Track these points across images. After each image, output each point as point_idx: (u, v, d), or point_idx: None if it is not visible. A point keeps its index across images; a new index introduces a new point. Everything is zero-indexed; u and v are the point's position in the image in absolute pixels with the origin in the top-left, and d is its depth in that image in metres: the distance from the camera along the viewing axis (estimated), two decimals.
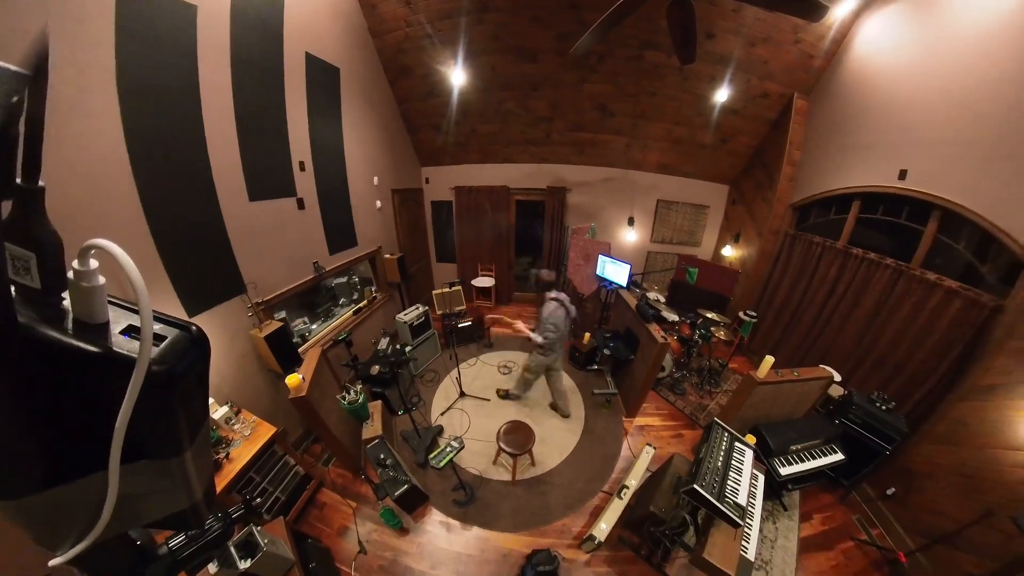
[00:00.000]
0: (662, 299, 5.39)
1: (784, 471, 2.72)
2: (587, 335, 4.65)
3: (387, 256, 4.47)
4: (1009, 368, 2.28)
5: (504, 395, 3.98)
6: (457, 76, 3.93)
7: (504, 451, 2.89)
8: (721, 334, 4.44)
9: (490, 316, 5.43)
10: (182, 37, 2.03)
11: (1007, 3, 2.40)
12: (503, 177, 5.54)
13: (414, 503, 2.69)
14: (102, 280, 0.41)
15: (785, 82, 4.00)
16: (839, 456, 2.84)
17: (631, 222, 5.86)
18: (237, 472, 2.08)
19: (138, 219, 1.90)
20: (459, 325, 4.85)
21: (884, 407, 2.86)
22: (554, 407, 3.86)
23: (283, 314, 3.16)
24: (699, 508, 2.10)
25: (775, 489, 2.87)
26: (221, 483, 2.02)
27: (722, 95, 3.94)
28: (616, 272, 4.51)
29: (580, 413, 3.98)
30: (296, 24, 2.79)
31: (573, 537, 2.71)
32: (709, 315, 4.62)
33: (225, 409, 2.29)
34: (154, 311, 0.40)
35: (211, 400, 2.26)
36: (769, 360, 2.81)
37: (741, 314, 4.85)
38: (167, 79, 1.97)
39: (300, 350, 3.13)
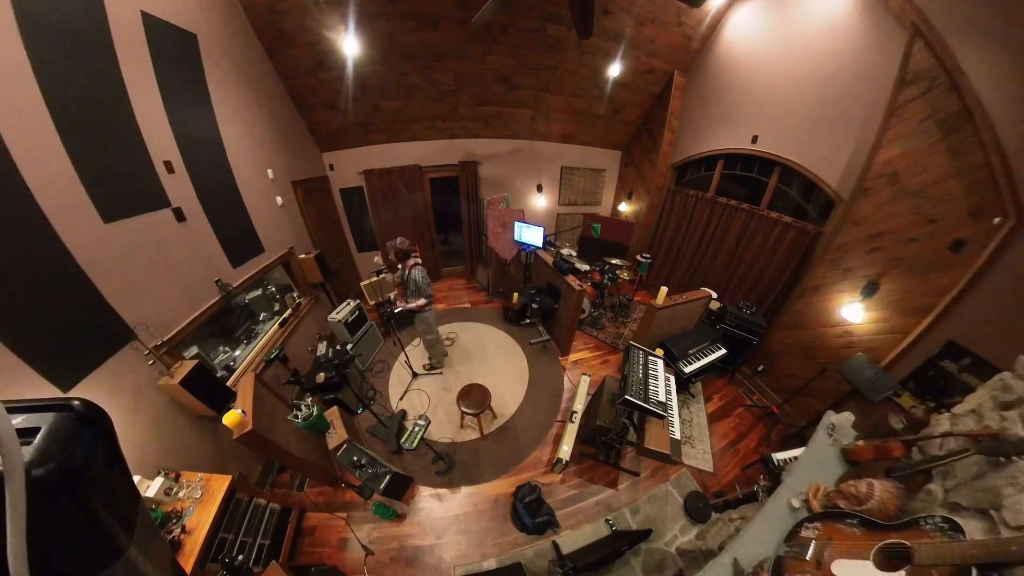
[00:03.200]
0: (574, 253, 5.69)
1: (687, 370, 3.30)
2: (515, 295, 4.74)
3: (302, 256, 3.79)
4: (826, 273, 3.03)
5: (429, 368, 3.96)
6: (350, 45, 3.19)
7: (467, 413, 2.96)
8: (625, 275, 4.94)
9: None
10: None
11: (838, 8, 2.78)
12: (414, 155, 5.00)
13: (401, 488, 2.60)
14: None
15: (668, 60, 4.20)
16: (723, 351, 3.53)
17: (540, 189, 5.88)
18: (203, 541, 1.68)
19: None
20: (395, 311, 4.46)
21: (748, 311, 3.61)
22: (430, 367, 3.96)
23: (195, 350, 2.49)
24: (633, 412, 2.52)
25: (683, 384, 3.49)
26: (188, 562, 1.59)
27: (615, 70, 3.97)
28: (532, 235, 4.56)
29: (523, 364, 4.19)
30: None
31: (545, 464, 2.99)
32: (613, 261, 5.10)
33: (160, 481, 1.77)
34: (2, 401, 0.29)
35: (136, 478, 1.71)
36: (664, 290, 3.31)
37: (638, 257, 5.43)
38: None
39: (229, 383, 2.60)
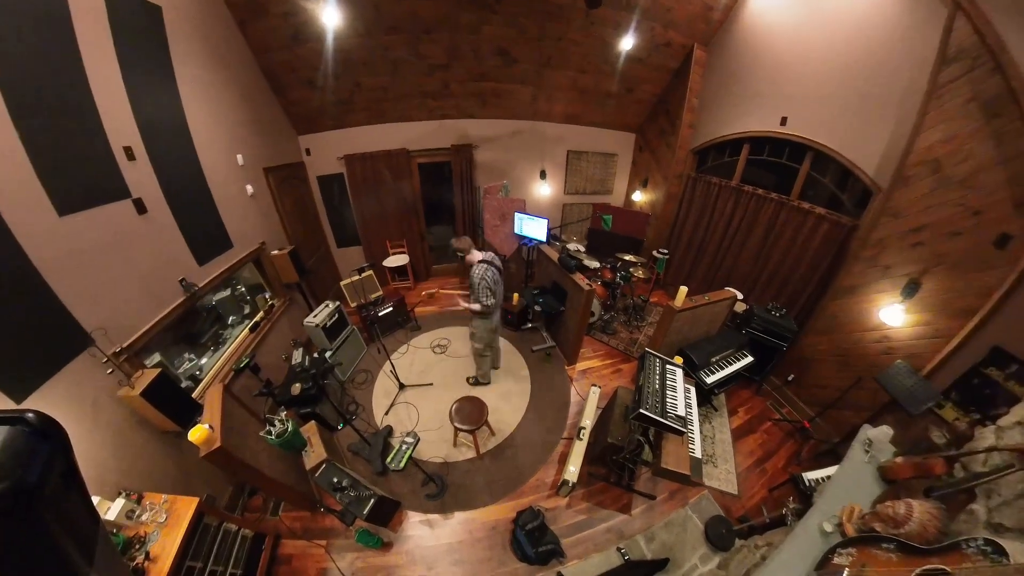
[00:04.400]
0: (582, 248, 5.76)
1: (709, 380, 3.35)
2: (516, 295, 4.81)
3: (275, 252, 3.85)
4: (863, 271, 3.10)
5: (474, 382, 4.02)
6: (330, 15, 3.25)
7: (461, 430, 2.99)
8: (639, 273, 5.00)
9: (425, 293, 5.27)
10: None
11: None
12: (400, 138, 5.05)
13: (387, 514, 2.64)
14: None
15: (686, 32, 4.26)
16: (749, 359, 3.60)
17: (543, 176, 5.95)
18: (169, 570, 1.73)
19: None
20: (379, 313, 4.60)
21: (777, 313, 3.69)
22: (475, 381, 4.02)
23: (157, 358, 2.54)
24: (649, 428, 2.53)
25: (705, 396, 3.56)
26: None
27: (627, 42, 4.03)
28: (534, 228, 4.61)
29: (524, 372, 4.24)
30: None
31: (549, 487, 3.03)
32: (627, 257, 5.15)
33: (121, 502, 1.82)
34: None
35: (95, 499, 1.76)
36: (683, 290, 3.32)
37: (655, 252, 5.50)
38: None
39: (195, 395, 2.66)
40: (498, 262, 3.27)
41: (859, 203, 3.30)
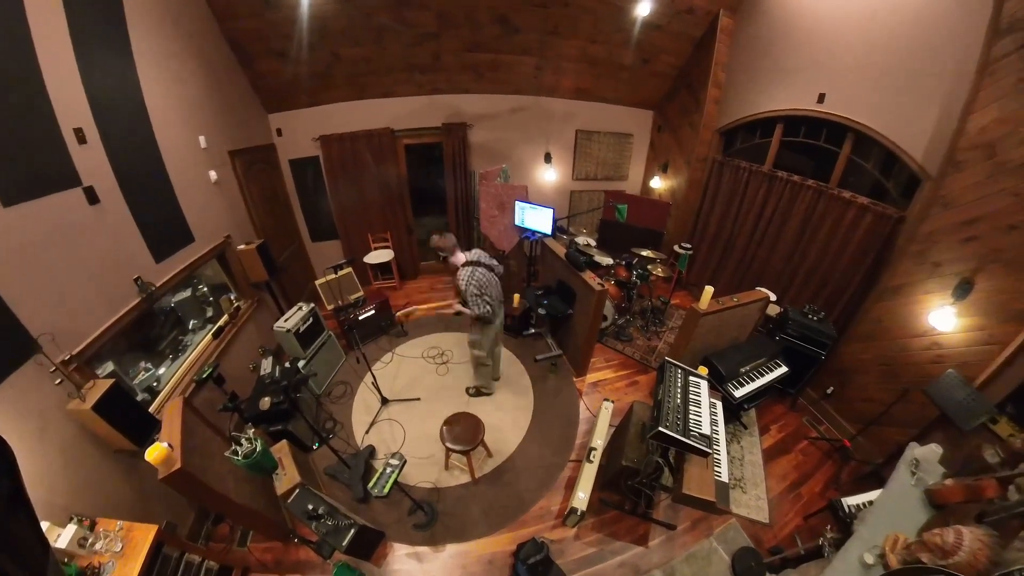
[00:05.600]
0: (592, 243, 5.83)
1: (738, 393, 3.39)
2: (517, 296, 4.87)
3: (242, 247, 3.90)
4: (911, 269, 3.15)
5: (474, 392, 4.09)
6: None
7: (453, 451, 3.02)
8: (659, 271, 5.05)
9: (400, 313, 5.22)
10: None
11: None
12: (385, 116, 5.12)
13: (370, 546, 2.67)
14: None
15: None
16: (784, 369, 3.65)
17: (548, 159, 6.01)
18: None
19: None
20: (359, 317, 4.65)
21: (815, 317, 3.74)
22: (476, 392, 4.09)
23: (110, 367, 2.60)
24: (669, 448, 2.55)
25: (733, 412, 3.61)
26: None
27: (644, 8, 4.08)
28: (538, 219, 4.66)
29: (526, 384, 4.29)
30: None
31: (555, 517, 3.07)
32: (644, 253, 5.20)
33: (72, 529, 1.87)
34: None
35: (44, 525, 1.82)
36: (709, 290, 3.36)
37: (676, 247, 5.54)
38: None
39: (152, 409, 2.72)
40: (488, 259, 3.30)
41: (906, 192, 3.36)
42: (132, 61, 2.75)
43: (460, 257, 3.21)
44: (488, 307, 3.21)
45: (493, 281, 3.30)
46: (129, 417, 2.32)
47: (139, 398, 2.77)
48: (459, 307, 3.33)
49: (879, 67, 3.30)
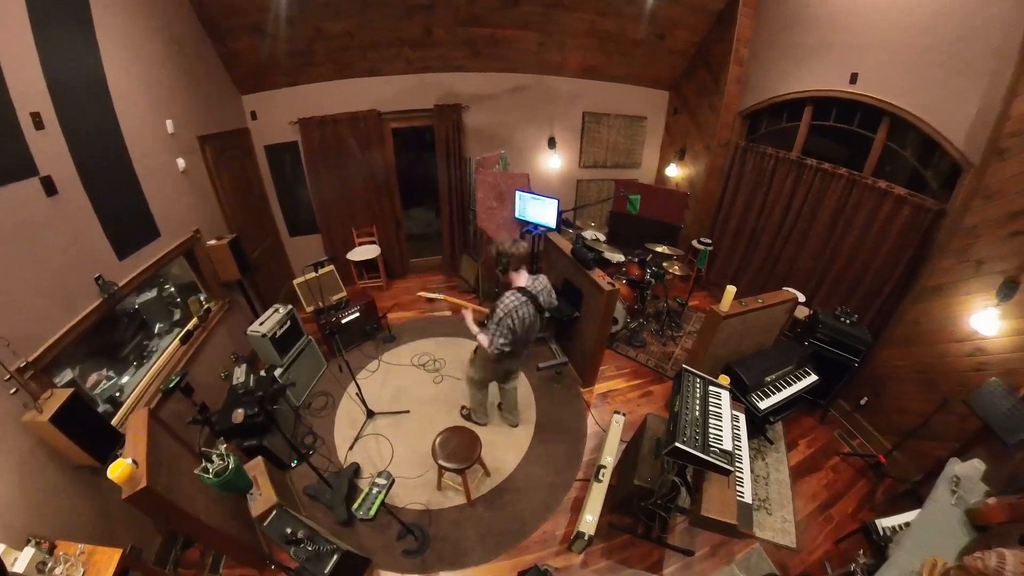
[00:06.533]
0: (602, 237, 5.87)
1: (763, 405, 3.42)
2: None
3: (212, 243, 3.96)
4: (952, 268, 3.19)
5: (466, 415, 4.06)
6: None
7: (447, 469, 3.03)
8: (675, 269, 5.10)
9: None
10: None
11: None
12: (371, 97, 5.18)
13: (354, 573, 2.69)
14: None
15: None
16: (813, 378, 3.69)
17: (552, 144, 6.06)
18: None
19: None
20: (342, 320, 4.69)
21: (848, 321, 3.78)
22: (467, 414, 4.06)
23: (69, 375, 2.65)
24: (686, 466, 2.55)
25: (757, 425, 3.64)
26: None
27: None
28: (541, 211, 4.71)
29: (527, 393, 4.31)
30: None
31: (559, 542, 3.10)
32: (659, 249, 5.26)
33: (29, 552, 1.91)
34: None
35: None
36: (731, 290, 3.39)
37: (695, 243, 5.60)
38: None
39: (115, 421, 2.77)
40: (549, 296, 3.09)
41: (946, 182, 3.41)
42: (94, 38, 2.80)
43: (521, 278, 3.01)
44: (505, 347, 2.96)
45: (535, 326, 3.08)
46: (90, 430, 2.36)
47: (100, 409, 2.81)
48: (470, 324, 3.15)
49: (917, 45, 3.33)
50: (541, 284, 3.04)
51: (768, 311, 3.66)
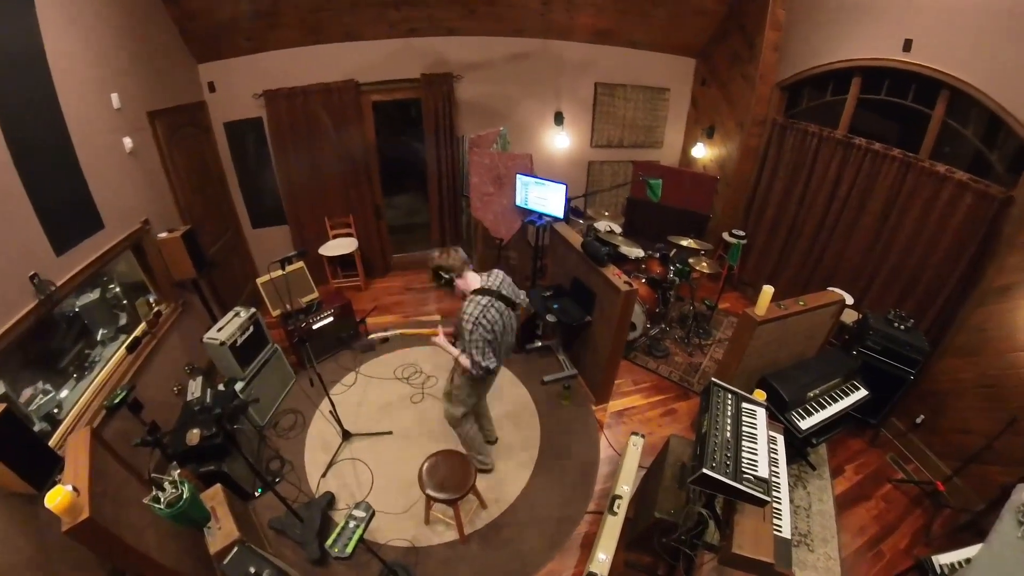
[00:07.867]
0: (617, 229, 5.88)
1: (805, 424, 3.43)
2: None
3: (163, 236, 3.98)
4: (1020, 265, 3.21)
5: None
6: None
7: (436, 500, 3.03)
8: (703, 266, 5.10)
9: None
10: None
11: None
12: (347, 66, 5.22)
13: None
14: None
15: None
16: (863, 392, 3.71)
17: (559, 120, 6.11)
18: None
19: None
20: (314, 326, 4.73)
21: (903, 326, 3.81)
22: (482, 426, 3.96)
23: (0, 389, 2.68)
24: (715, 496, 2.56)
25: (798, 448, 3.66)
26: None
27: None
28: (546, 198, 4.74)
29: (531, 414, 4.33)
30: None
31: None
32: (684, 243, 5.25)
33: None
34: None
35: None
36: (768, 291, 3.40)
37: (726, 235, 5.60)
38: None
39: (52, 442, 2.79)
40: (511, 288, 3.09)
41: (1014, 166, 3.44)
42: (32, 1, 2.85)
43: (471, 281, 2.98)
44: (493, 362, 2.96)
45: (510, 325, 3.07)
46: (24, 452, 2.38)
47: (36, 428, 2.84)
48: (447, 347, 3.13)
49: (980, 7, 3.35)
50: (497, 278, 3.03)
51: (810, 315, 3.68)
